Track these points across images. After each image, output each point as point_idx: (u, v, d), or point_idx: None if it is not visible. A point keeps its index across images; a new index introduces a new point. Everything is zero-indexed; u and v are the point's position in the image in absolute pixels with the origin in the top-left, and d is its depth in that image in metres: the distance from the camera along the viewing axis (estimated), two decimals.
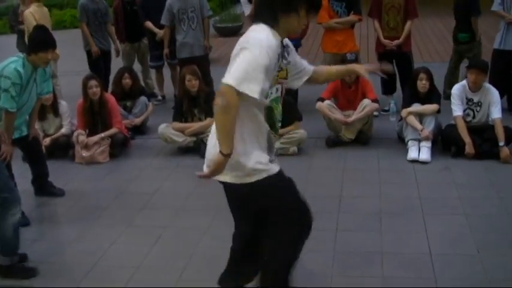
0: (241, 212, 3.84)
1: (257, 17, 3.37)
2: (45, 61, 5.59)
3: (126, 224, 5.71)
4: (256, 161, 3.41)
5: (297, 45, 8.59)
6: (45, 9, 9.51)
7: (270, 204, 3.63)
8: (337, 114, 7.59)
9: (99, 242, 5.36)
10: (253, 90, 3.14)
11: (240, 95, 3.14)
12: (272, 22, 3.32)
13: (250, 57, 3.16)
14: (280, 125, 3.71)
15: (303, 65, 3.78)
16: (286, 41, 3.56)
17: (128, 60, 9.95)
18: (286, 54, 3.52)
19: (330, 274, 4.64)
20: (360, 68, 3.96)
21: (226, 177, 3.47)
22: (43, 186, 6.46)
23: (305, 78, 3.80)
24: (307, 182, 6.41)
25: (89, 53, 9.66)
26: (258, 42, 3.21)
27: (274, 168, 3.51)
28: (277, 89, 3.53)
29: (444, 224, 5.40)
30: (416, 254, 4.90)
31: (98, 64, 9.55)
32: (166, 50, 9.26)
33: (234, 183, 3.49)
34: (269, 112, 3.50)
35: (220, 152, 3.22)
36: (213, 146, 3.42)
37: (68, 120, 7.80)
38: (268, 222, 3.67)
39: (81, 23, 9.60)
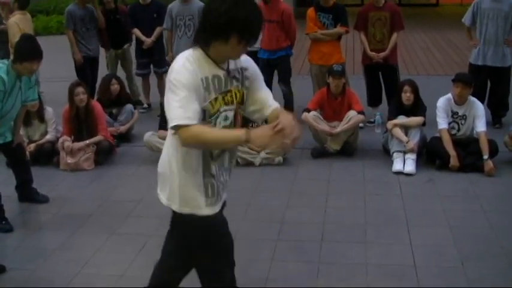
0: None
1: (197, 42, 3.27)
2: (30, 71, 5.58)
3: (110, 232, 5.68)
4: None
5: (288, 54, 8.64)
6: (29, 16, 9.50)
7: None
8: (323, 125, 7.60)
9: (83, 249, 5.33)
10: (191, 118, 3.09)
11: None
12: (204, 45, 3.23)
13: (176, 97, 3.09)
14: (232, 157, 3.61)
15: (265, 101, 3.52)
16: (248, 65, 3.45)
17: (113, 67, 9.94)
18: (239, 77, 3.38)
19: (314, 285, 4.64)
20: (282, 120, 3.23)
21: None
22: (27, 193, 6.42)
23: (262, 116, 3.56)
24: (292, 192, 6.42)
25: (74, 59, 9.63)
26: (178, 80, 3.12)
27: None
28: (226, 117, 3.36)
29: (428, 236, 5.42)
30: (401, 265, 4.92)
31: (85, 71, 9.52)
32: (170, 54, 9.24)
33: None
34: None
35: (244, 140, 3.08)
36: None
37: (53, 126, 7.77)
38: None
39: (67, 30, 9.55)
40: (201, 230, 3.47)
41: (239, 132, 3.09)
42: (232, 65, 3.33)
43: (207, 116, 3.22)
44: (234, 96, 3.35)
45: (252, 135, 3.02)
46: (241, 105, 3.43)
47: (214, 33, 3.14)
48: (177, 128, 3.07)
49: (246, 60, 3.44)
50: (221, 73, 3.25)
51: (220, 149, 3.32)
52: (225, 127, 3.35)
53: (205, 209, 3.44)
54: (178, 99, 3.06)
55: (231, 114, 3.37)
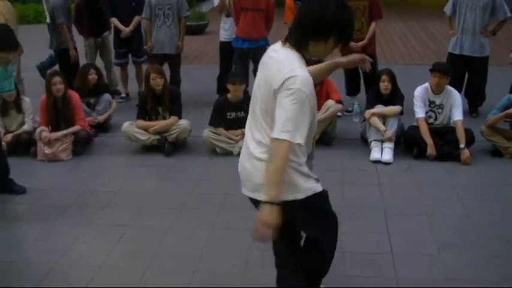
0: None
1: (289, 40, 3.35)
2: (5, 61, 5.53)
3: (88, 222, 5.66)
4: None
5: (266, 44, 8.62)
6: (9, 4, 9.39)
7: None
8: None
9: (61, 240, 5.31)
10: (302, 137, 3.17)
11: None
12: (301, 46, 3.32)
13: (304, 111, 3.16)
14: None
15: None
16: None
17: (92, 56, 9.87)
18: None
19: None
20: (341, 60, 4.04)
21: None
22: (4, 183, 6.37)
23: None
24: None
25: (58, 52, 9.55)
26: (306, 92, 3.18)
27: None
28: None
29: (405, 224, 5.47)
30: (378, 253, 4.96)
31: (69, 64, 9.44)
32: (149, 44, 9.19)
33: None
34: None
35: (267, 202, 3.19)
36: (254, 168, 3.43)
37: (30, 116, 7.71)
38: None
39: (62, 25, 9.34)
40: None
41: (275, 196, 3.18)
42: None
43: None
44: None
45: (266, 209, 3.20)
46: None
47: (316, 33, 3.27)
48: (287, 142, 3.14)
49: None
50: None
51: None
52: None
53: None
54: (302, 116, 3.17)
55: None
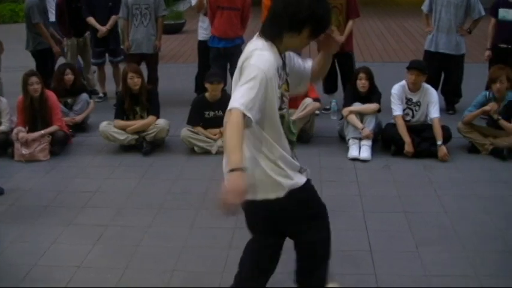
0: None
1: (263, 32, 3.35)
2: None
3: (67, 222, 5.64)
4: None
5: (241, 43, 8.60)
6: None
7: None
8: None
9: (39, 241, 5.29)
10: (255, 116, 3.11)
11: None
12: (275, 38, 3.31)
13: (255, 85, 3.11)
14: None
15: (302, 68, 3.68)
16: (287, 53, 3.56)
17: (73, 56, 9.81)
18: (285, 67, 3.49)
19: None
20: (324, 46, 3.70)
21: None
22: None
23: (306, 81, 3.74)
24: None
25: (35, 53, 9.47)
26: (261, 67, 3.15)
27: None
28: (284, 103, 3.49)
29: (384, 221, 5.50)
30: (357, 250, 4.99)
31: (47, 64, 9.37)
32: (126, 43, 9.17)
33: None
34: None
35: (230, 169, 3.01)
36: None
37: (7, 117, 7.66)
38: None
39: (39, 25, 9.19)
40: None
41: (236, 161, 2.98)
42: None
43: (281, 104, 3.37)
44: (286, 86, 3.49)
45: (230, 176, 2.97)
46: (287, 92, 3.54)
47: (291, 25, 3.25)
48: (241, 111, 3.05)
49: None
50: (281, 64, 3.37)
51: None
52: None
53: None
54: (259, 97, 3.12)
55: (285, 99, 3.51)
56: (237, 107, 3.02)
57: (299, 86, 3.73)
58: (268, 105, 3.20)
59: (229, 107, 3.05)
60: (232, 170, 2.94)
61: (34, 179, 6.75)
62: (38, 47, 9.41)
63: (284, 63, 3.43)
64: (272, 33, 3.31)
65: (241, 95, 3.07)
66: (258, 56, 3.20)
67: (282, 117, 3.40)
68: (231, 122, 3.01)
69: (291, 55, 3.59)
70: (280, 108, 3.35)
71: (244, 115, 3.02)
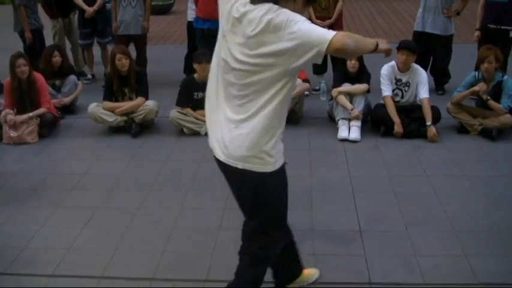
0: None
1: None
2: None
3: (56, 205, 5.62)
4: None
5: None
6: None
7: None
8: None
9: (28, 224, 5.27)
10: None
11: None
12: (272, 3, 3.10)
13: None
14: None
15: None
16: None
17: (61, 37, 9.74)
18: None
19: None
20: None
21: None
22: None
23: None
24: None
25: (22, 34, 9.38)
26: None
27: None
28: None
29: (373, 202, 5.51)
30: (347, 231, 5.00)
31: (34, 45, 9.29)
32: (114, 24, 9.09)
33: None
34: None
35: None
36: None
37: None
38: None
39: (19, 6, 9.15)
40: None
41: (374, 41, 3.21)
42: None
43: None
44: None
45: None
46: None
47: None
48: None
49: None
50: None
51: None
52: None
53: None
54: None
55: None
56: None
57: None
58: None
59: (324, 40, 2.92)
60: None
61: (22, 162, 6.72)
62: (18, 29, 9.33)
63: None
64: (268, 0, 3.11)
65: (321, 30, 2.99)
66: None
67: None
68: (346, 37, 2.95)
69: None
70: None
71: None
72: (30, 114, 7.37)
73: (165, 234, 5.00)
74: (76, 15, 9.84)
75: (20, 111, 7.44)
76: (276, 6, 3.05)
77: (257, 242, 3.52)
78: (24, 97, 7.47)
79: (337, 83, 7.50)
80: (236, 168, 3.24)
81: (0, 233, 5.19)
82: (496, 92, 7.09)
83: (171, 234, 5.00)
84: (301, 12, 3.14)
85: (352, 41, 2.95)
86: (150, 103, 7.50)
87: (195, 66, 7.36)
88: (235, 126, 3.20)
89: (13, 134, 7.25)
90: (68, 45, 9.85)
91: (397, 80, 7.25)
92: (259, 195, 3.36)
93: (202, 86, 7.38)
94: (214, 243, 4.84)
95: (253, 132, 3.16)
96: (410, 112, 7.19)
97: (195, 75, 7.43)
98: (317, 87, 8.80)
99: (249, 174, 3.23)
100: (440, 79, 8.85)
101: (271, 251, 3.58)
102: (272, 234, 3.51)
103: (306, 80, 7.60)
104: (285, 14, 3.00)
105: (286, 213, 3.63)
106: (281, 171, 3.35)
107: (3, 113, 7.36)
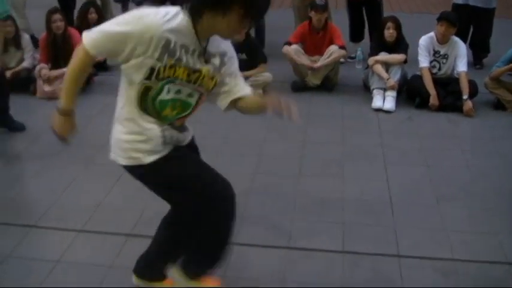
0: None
1: (186, 5, 2.78)
2: None
3: (87, 161, 5.64)
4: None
5: None
6: None
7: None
8: (304, 60, 7.55)
9: (59, 179, 5.30)
10: (97, 48, 2.89)
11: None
12: (196, 16, 2.74)
13: (116, 21, 2.79)
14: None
15: (236, 85, 3.13)
16: (227, 49, 3.04)
17: None
18: (217, 63, 2.99)
19: (290, 218, 4.66)
20: (270, 104, 2.86)
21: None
22: (3, 120, 6.33)
23: (231, 98, 3.13)
24: (271, 124, 6.40)
25: None
26: (138, 20, 2.72)
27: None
28: (190, 94, 3.01)
29: (405, 174, 5.45)
30: (377, 201, 4.95)
31: (69, 2, 9.28)
32: None
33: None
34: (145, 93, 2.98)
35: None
36: None
37: (30, 53, 7.65)
38: None
39: None
40: None
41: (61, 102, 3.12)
42: (213, 47, 2.94)
43: (153, 76, 2.84)
44: (201, 80, 2.95)
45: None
46: (209, 92, 3.08)
47: (213, 3, 2.67)
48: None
49: (226, 45, 3.03)
50: (197, 49, 2.86)
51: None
52: (179, 101, 3.00)
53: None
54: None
55: (195, 94, 3.03)
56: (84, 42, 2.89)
57: (219, 98, 3.17)
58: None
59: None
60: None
61: None
62: None
63: (205, 52, 2.90)
64: (193, 9, 2.74)
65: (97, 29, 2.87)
66: (143, 12, 2.74)
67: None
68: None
69: (231, 57, 3.08)
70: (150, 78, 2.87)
71: None
72: (65, 69, 7.34)
73: None
74: None
75: (55, 67, 7.46)
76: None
77: None
78: (58, 52, 7.48)
79: (373, 51, 7.41)
80: None
81: (31, 187, 5.24)
82: None
83: None
84: (237, 32, 2.83)
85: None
86: None
87: None
88: None
89: (47, 88, 7.28)
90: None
91: (436, 52, 7.13)
92: None
93: (236, 48, 7.29)
94: (243, 210, 4.81)
95: None
96: (447, 85, 7.07)
97: None
98: (353, 55, 8.70)
99: None
100: (479, 53, 8.68)
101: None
102: None
103: (342, 47, 7.50)
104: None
105: None
106: None
107: (37, 68, 7.40)
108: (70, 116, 3.20)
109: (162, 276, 3.64)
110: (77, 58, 2.97)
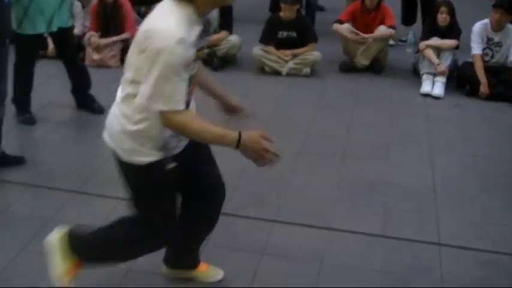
0: None
1: None
2: None
3: None
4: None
5: None
6: None
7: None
8: (353, 36, 7.45)
9: (103, 146, 5.33)
10: (179, 103, 2.85)
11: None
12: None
13: (164, 71, 2.74)
14: None
15: None
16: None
17: None
18: (207, 31, 3.04)
19: (333, 200, 4.64)
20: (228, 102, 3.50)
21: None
22: (82, 99, 6.28)
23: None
24: (318, 105, 6.39)
25: None
26: (167, 45, 2.69)
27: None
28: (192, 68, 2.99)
29: (450, 162, 5.38)
30: (420, 188, 4.90)
31: None
32: None
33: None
34: None
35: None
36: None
37: (80, 21, 7.70)
38: None
39: None
40: None
41: (232, 136, 2.94)
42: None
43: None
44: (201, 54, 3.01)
45: (241, 146, 2.95)
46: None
47: None
48: (169, 113, 2.84)
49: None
50: (200, 29, 2.84)
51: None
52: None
53: None
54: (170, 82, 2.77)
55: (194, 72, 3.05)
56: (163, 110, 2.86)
57: None
58: None
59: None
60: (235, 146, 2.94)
61: (103, 85, 6.78)
62: None
63: (204, 28, 2.92)
64: None
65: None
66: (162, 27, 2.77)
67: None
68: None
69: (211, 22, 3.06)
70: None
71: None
72: (114, 38, 7.43)
73: (236, 172, 4.96)
74: None
75: (104, 35, 7.51)
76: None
77: None
78: (108, 21, 7.53)
79: (425, 36, 7.29)
80: None
81: (78, 151, 5.31)
82: None
83: (244, 171, 4.94)
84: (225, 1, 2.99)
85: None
86: (234, 38, 7.46)
87: (282, 5, 7.29)
88: None
89: (96, 56, 7.34)
90: None
91: (489, 39, 6.99)
92: None
93: (287, 25, 7.34)
94: (285, 187, 4.82)
95: None
96: (499, 74, 6.94)
97: (281, 14, 7.34)
98: (404, 38, 8.59)
99: None
100: None
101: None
102: None
103: (392, 27, 7.38)
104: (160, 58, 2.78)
105: None
106: None
107: (87, 35, 7.46)
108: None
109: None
110: (188, 126, 3.00)
